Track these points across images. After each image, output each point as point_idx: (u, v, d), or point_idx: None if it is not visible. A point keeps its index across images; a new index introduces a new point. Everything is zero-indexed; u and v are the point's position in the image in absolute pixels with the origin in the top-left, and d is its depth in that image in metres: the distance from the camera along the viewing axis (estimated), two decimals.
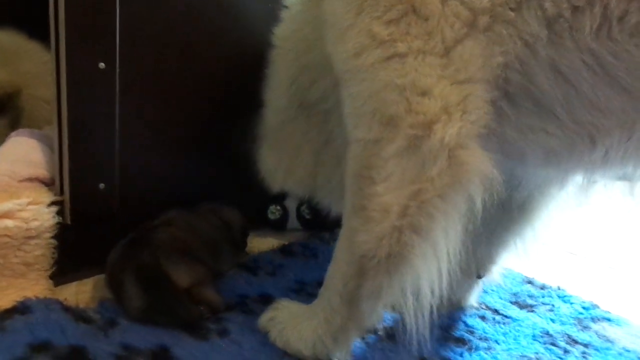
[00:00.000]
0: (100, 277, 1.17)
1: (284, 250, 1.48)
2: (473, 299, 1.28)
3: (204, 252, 1.21)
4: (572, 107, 0.83)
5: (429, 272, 0.88)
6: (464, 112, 0.82)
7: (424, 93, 0.82)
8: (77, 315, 1.04)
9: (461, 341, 1.15)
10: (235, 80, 1.40)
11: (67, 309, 1.05)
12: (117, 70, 1.17)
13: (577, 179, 1.02)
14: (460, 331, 1.19)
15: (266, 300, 1.20)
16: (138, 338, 1.00)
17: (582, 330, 1.26)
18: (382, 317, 1.15)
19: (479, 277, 1.25)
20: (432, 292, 0.91)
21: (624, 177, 1.00)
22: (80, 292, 1.19)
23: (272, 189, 1.38)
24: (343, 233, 0.96)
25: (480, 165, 0.83)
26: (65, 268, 1.20)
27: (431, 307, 0.93)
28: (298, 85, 1.18)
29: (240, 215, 1.45)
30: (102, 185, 1.23)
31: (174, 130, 1.35)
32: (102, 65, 1.15)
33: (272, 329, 1.06)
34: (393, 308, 1.08)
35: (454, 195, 0.84)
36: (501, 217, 1.16)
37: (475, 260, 1.21)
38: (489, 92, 0.83)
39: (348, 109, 0.91)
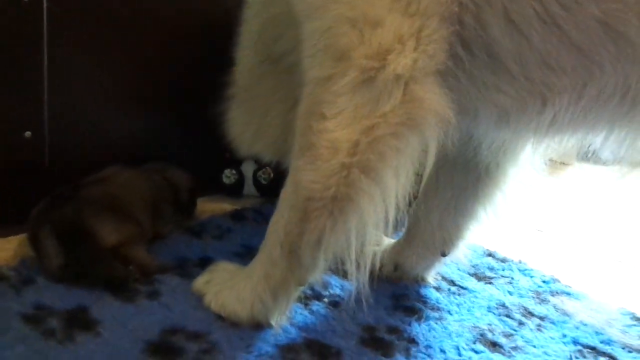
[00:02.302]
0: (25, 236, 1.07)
1: (235, 215, 1.39)
2: (431, 275, 1.22)
3: (140, 211, 1.12)
4: (524, 61, 0.79)
5: (375, 216, 0.83)
6: (419, 44, 0.77)
7: (375, 24, 0.78)
8: None
9: (412, 310, 1.09)
10: (195, 30, 1.30)
11: None
12: (45, 3, 1.05)
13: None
14: (412, 301, 1.13)
15: (207, 264, 1.11)
16: (54, 298, 0.91)
17: (540, 303, 1.21)
18: (327, 283, 1.09)
19: (443, 255, 1.19)
20: (378, 242, 0.85)
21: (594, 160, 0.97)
22: (3, 250, 1.09)
23: (240, 152, 1.31)
24: (288, 177, 0.90)
25: (437, 104, 0.79)
26: None
27: (377, 264, 0.88)
28: (264, 39, 1.11)
29: (188, 176, 1.35)
30: (28, 134, 1.12)
31: (117, 75, 1.23)
32: None
33: (207, 291, 0.98)
34: (340, 272, 1.02)
35: (408, 133, 0.79)
36: (468, 182, 1.11)
37: (441, 235, 1.15)
38: (445, 28, 0.78)
39: (304, 51, 0.88)
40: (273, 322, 0.93)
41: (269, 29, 1.09)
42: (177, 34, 1.29)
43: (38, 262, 0.99)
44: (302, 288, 0.95)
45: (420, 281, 1.20)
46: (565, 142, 0.96)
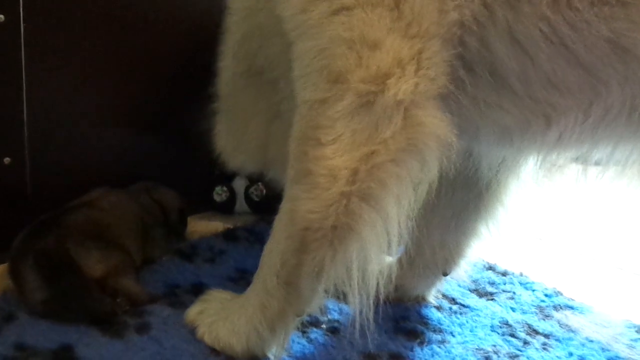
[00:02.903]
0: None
1: (227, 235, 1.34)
2: (432, 294, 1.18)
3: (128, 237, 1.08)
4: (529, 81, 0.77)
5: (377, 245, 0.80)
6: (419, 67, 0.75)
7: (374, 46, 0.75)
8: None
9: (413, 334, 1.05)
10: (181, 46, 1.26)
11: None
12: (22, 23, 1.00)
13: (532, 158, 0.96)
14: (413, 323, 1.09)
15: (199, 290, 1.07)
16: (37, 336, 0.87)
17: (544, 320, 1.18)
18: (325, 308, 1.05)
19: (445, 274, 1.15)
20: (380, 270, 0.83)
21: (597, 162, 0.95)
22: None
23: (227, 165, 1.26)
24: (283, 205, 0.86)
25: (438, 128, 0.76)
26: None
27: (378, 290, 0.84)
28: (246, 50, 1.07)
29: (177, 196, 1.30)
30: (7, 160, 1.07)
31: (100, 94, 1.18)
32: (0, 17, 0.98)
33: (200, 323, 0.94)
34: (338, 296, 0.99)
35: (409, 159, 0.77)
36: (469, 199, 1.08)
37: (442, 254, 1.12)
38: (446, 50, 0.75)
39: (296, 70, 0.84)
40: (270, 355, 0.89)
41: (252, 39, 1.04)
42: (162, 49, 1.25)
43: (19, 296, 0.94)
44: (300, 318, 0.90)
45: (420, 301, 1.16)
46: (569, 156, 0.93)
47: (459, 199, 1.06)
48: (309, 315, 1.03)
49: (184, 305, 1.01)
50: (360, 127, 0.75)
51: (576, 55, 0.73)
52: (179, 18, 1.25)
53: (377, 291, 0.85)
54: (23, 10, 1.00)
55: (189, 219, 1.33)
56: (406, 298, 1.15)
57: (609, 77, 0.74)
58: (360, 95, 0.75)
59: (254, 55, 1.05)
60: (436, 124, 0.76)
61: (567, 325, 1.16)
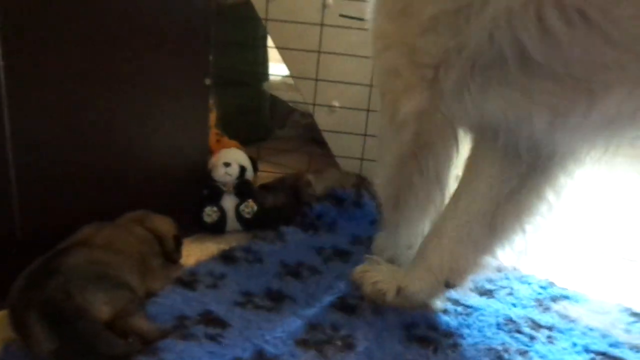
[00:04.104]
0: (3, 314, 0.98)
1: (225, 256, 1.32)
2: (437, 304, 1.18)
3: (129, 272, 1.04)
4: (568, 64, 0.80)
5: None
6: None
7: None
8: None
9: (425, 341, 1.06)
10: (173, 88, 1.27)
11: None
12: (2, 64, 0.96)
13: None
14: (423, 329, 1.10)
15: (208, 319, 1.05)
16: None
17: (544, 312, 1.22)
18: (337, 324, 1.05)
19: (447, 285, 1.12)
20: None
21: None
22: None
23: None
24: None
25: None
26: None
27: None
28: None
29: (170, 222, 1.28)
30: None
31: (87, 133, 1.15)
32: None
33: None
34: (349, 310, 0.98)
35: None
36: (486, 210, 1.05)
37: (449, 264, 1.10)
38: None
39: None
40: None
41: None
42: (153, 93, 1.24)
43: (27, 347, 0.90)
44: None
45: (424, 307, 1.17)
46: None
47: (475, 209, 1.03)
48: (323, 333, 1.04)
49: (195, 337, 0.99)
50: None
51: (607, 34, 0.75)
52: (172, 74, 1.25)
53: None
54: (2, 52, 0.95)
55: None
56: (408, 303, 1.15)
57: None
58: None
59: None
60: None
61: (566, 316, 1.21)
